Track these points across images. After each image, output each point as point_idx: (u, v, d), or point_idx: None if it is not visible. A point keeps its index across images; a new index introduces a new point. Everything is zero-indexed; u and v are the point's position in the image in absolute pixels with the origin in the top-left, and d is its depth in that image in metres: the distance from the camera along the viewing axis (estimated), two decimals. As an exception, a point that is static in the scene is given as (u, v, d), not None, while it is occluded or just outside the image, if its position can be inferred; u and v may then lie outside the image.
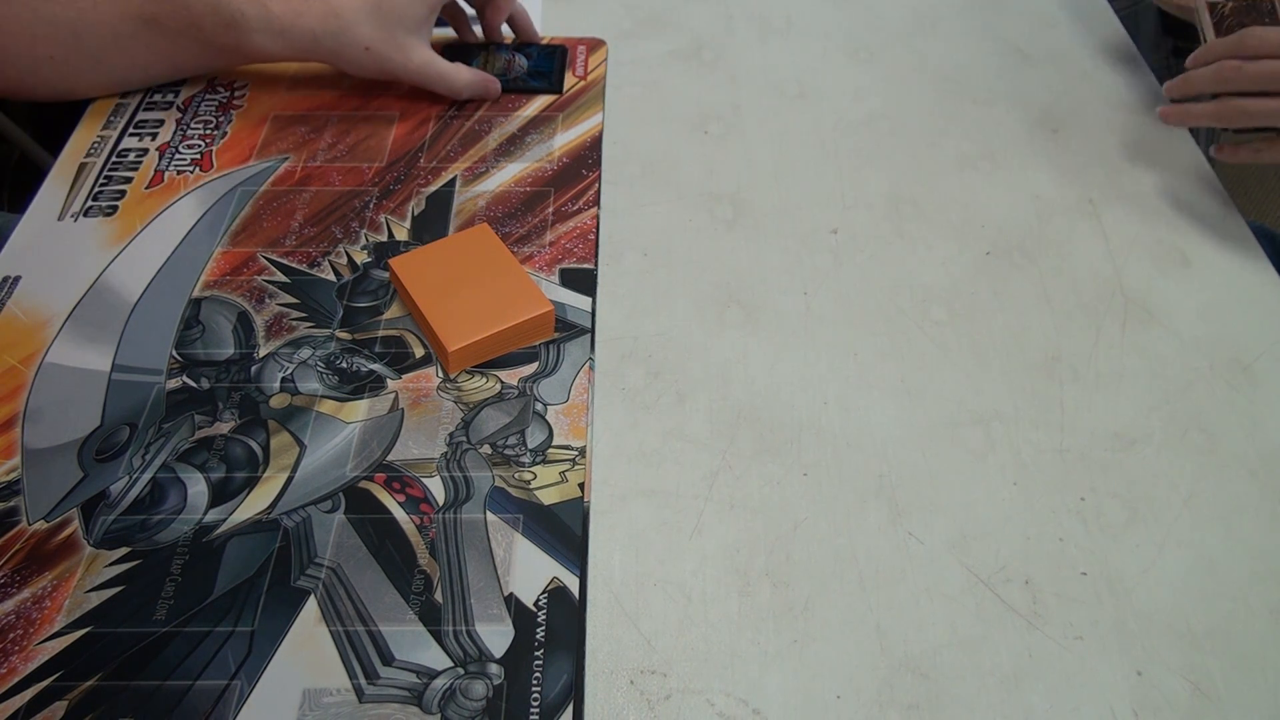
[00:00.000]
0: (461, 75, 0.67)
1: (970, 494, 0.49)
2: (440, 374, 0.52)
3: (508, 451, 0.49)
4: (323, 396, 0.51)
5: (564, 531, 0.46)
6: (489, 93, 0.68)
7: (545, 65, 0.72)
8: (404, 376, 0.52)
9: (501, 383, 0.52)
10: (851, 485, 0.49)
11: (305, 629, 0.42)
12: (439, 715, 0.40)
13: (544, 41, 0.74)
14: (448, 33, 0.75)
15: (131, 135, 0.66)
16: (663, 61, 0.74)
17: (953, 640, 0.43)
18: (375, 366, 0.53)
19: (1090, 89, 0.73)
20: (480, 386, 0.52)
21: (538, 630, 0.43)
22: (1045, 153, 0.68)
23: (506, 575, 0.44)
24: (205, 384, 0.51)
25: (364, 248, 0.59)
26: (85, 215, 0.60)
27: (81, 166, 0.63)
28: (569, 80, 0.71)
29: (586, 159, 0.65)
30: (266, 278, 0.57)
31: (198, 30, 0.62)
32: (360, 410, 0.50)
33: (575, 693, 0.41)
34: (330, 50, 0.63)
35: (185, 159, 0.64)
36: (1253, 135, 0.60)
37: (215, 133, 0.66)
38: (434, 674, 0.41)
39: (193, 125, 0.67)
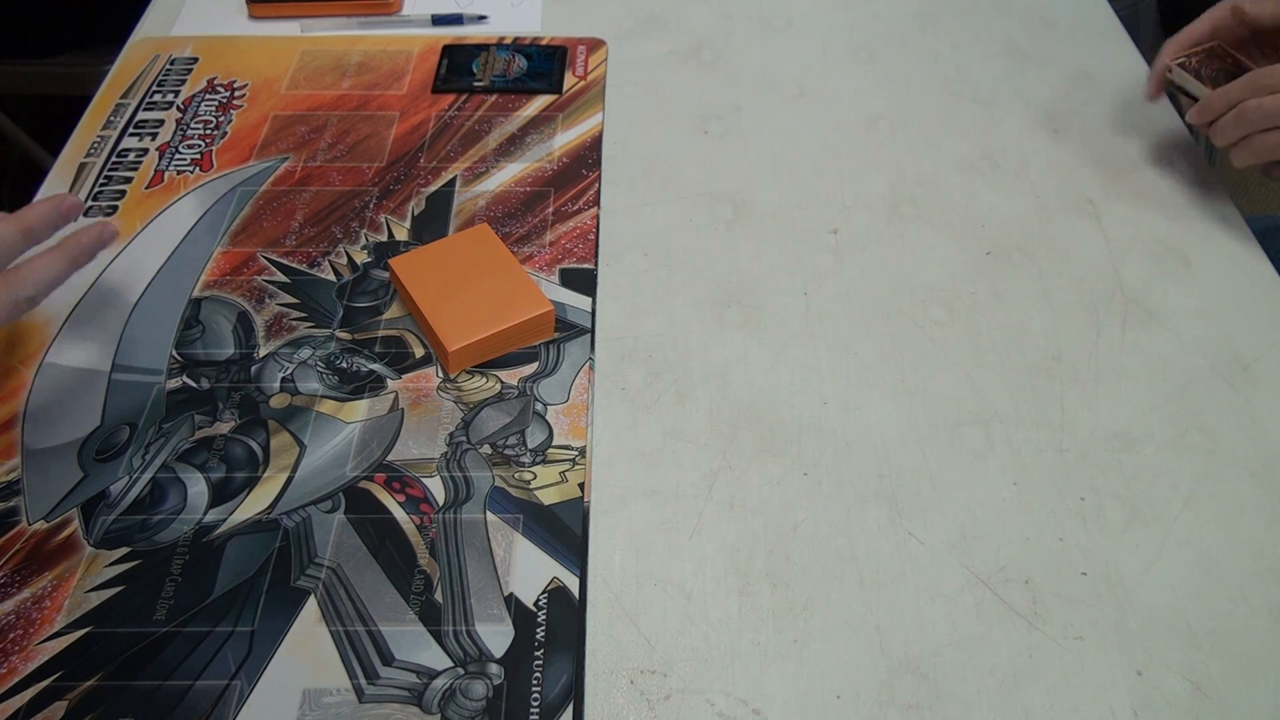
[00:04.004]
0: None
1: (970, 494, 0.49)
2: (440, 374, 0.52)
3: (508, 451, 0.49)
4: (323, 396, 0.51)
5: (564, 531, 0.46)
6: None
7: (545, 65, 0.72)
8: (404, 376, 0.52)
9: (501, 383, 0.52)
10: (851, 485, 0.49)
11: (305, 629, 0.42)
12: (439, 715, 0.40)
13: (544, 42, 0.74)
14: (449, 33, 0.75)
15: (131, 135, 0.66)
16: (663, 61, 0.74)
17: (953, 640, 0.43)
18: (375, 366, 0.53)
19: (1090, 89, 0.73)
20: (480, 386, 0.52)
21: (538, 630, 0.43)
22: (1045, 153, 0.68)
23: (506, 575, 0.44)
24: (205, 384, 0.51)
25: (364, 248, 0.59)
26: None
27: (81, 166, 0.63)
28: (569, 80, 0.71)
29: (586, 159, 0.65)
30: (266, 278, 0.57)
31: None
32: (360, 410, 0.50)
33: (575, 693, 0.41)
34: None
35: (185, 159, 0.64)
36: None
37: (215, 133, 0.66)
38: (434, 674, 0.41)
39: (193, 125, 0.67)
